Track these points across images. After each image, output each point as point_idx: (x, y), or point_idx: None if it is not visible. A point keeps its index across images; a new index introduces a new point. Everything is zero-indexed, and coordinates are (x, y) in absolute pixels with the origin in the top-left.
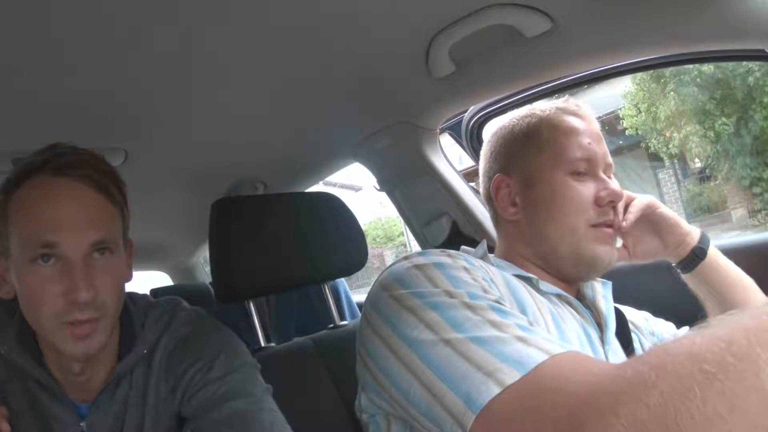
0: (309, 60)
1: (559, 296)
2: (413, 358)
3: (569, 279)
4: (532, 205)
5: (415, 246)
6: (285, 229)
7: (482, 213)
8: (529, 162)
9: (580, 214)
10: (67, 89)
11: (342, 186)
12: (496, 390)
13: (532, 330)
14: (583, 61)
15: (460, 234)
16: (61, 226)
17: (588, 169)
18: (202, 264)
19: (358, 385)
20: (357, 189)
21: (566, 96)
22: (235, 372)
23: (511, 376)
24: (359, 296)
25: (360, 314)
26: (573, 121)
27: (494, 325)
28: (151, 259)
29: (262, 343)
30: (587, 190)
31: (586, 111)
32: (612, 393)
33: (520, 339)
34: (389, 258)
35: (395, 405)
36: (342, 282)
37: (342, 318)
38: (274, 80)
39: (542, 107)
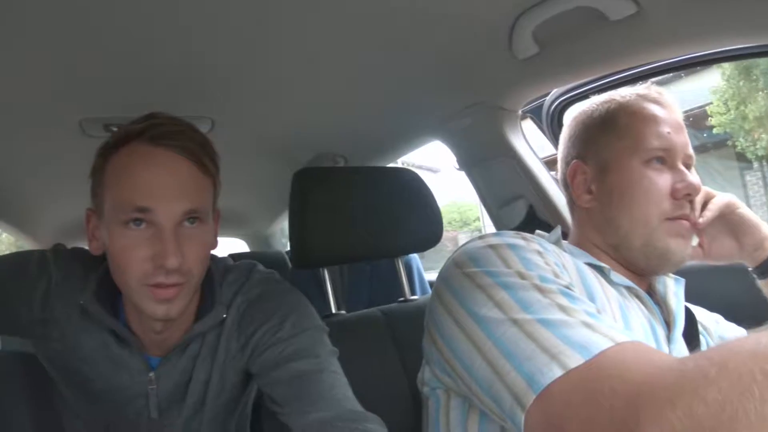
0: (392, 36)
1: (629, 288)
2: (480, 334)
3: (640, 271)
4: (607, 194)
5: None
6: (362, 201)
7: (559, 198)
8: (606, 149)
9: (654, 205)
10: (157, 59)
11: (420, 167)
12: (558, 372)
13: (599, 317)
14: (669, 47)
15: (536, 218)
16: (156, 193)
17: (666, 160)
18: (279, 234)
19: (422, 359)
20: (435, 171)
21: (648, 82)
22: (302, 333)
23: (575, 359)
24: (431, 276)
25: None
26: (653, 109)
27: (562, 309)
28: (230, 226)
29: (333, 310)
30: (663, 181)
31: (668, 99)
32: (671, 385)
33: (587, 325)
34: (463, 242)
35: (458, 380)
36: (415, 258)
37: (412, 294)
38: (356, 56)
39: (623, 93)
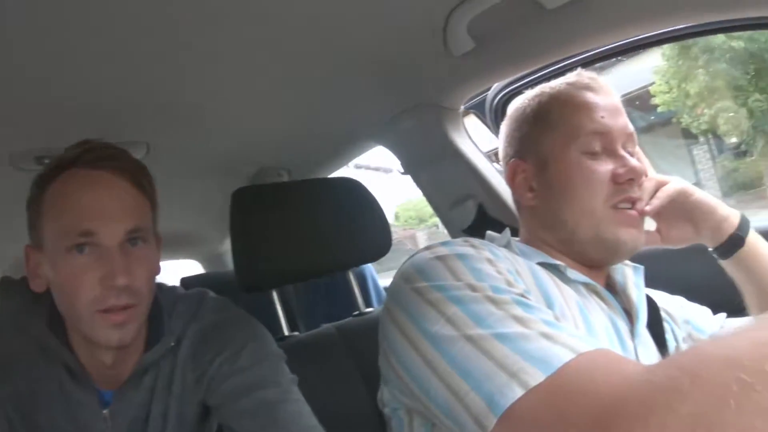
0: (326, 42)
1: (586, 285)
2: (434, 354)
3: (595, 264)
4: (548, 189)
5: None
6: (306, 216)
7: (509, 195)
8: (542, 143)
9: (596, 194)
10: (84, 86)
11: (371, 168)
12: (519, 392)
13: (558, 325)
14: (609, 32)
15: (487, 217)
16: (98, 214)
17: (604, 146)
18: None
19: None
20: (388, 171)
21: (579, 69)
22: (262, 362)
23: (536, 377)
24: (389, 280)
25: None
26: (585, 96)
27: (518, 320)
28: (180, 249)
29: (286, 332)
30: (603, 167)
31: (601, 83)
32: (642, 400)
33: (545, 335)
34: (421, 239)
35: (416, 401)
36: (368, 267)
37: (368, 305)
38: (291, 65)
39: (553, 84)
